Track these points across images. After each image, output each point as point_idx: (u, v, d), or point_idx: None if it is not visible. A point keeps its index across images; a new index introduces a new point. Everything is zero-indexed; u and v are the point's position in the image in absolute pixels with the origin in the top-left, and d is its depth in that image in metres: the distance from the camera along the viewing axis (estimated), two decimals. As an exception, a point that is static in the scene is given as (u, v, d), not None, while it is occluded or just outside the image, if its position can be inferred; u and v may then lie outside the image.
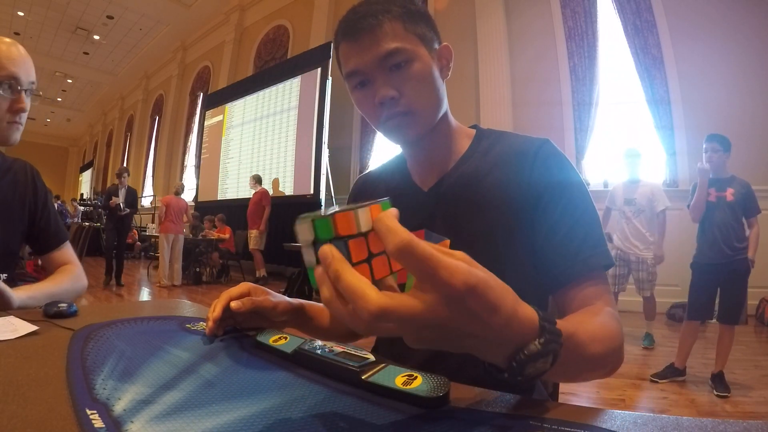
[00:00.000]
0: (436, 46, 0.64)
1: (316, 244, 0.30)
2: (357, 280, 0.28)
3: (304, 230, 0.31)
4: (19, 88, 0.88)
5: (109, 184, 13.54)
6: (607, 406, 1.84)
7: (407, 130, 0.62)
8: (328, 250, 0.29)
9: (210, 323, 0.59)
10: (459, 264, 0.28)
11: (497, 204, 0.61)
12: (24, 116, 0.92)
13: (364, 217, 0.31)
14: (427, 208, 0.66)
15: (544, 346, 0.33)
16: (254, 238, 5.73)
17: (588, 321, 0.49)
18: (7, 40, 0.90)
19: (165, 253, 5.36)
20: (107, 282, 5.50)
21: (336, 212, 0.30)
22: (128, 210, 5.56)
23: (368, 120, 0.64)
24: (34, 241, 1.07)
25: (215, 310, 0.59)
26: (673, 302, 3.77)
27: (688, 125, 4.02)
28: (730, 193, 2.37)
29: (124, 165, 6.39)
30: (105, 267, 5.66)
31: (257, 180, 5.94)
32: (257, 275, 5.82)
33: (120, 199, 5.49)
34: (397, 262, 0.28)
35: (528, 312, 0.33)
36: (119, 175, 5.67)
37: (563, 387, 1.84)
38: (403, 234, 0.27)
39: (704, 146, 2.45)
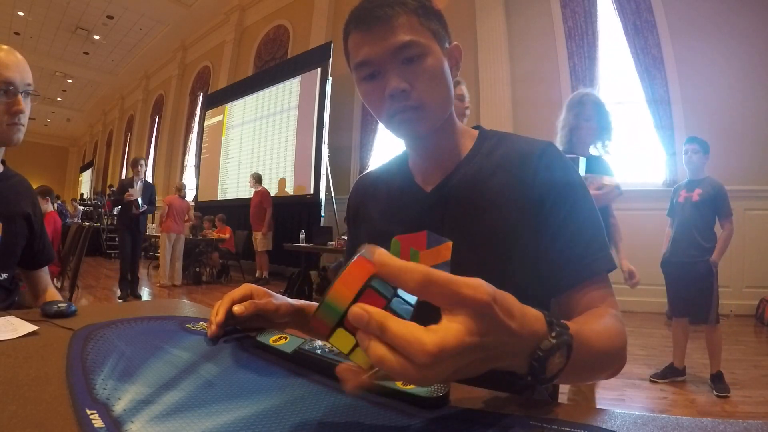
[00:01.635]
0: (447, 45, 0.63)
1: (339, 324, 0.31)
2: (405, 326, 0.27)
3: (336, 338, 0.31)
4: (14, 91, 0.91)
5: (109, 183, 13.48)
6: (608, 406, 1.84)
7: (416, 125, 0.60)
8: (359, 309, 0.28)
9: (213, 327, 0.58)
10: (475, 279, 0.29)
11: (500, 206, 0.60)
12: (24, 117, 0.95)
13: (352, 277, 0.31)
14: (429, 209, 0.65)
15: (557, 339, 0.34)
16: (259, 240, 5.68)
17: (592, 321, 0.50)
18: (5, 47, 0.93)
19: (166, 253, 5.35)
20: (124, 297, 4.57)
21: (327, 293, 0.31)
22: (145, 207, 4.59)
23: (374, 113, 0.63)
24: (31, 257, 1.12)
25: (218, 313, 0.59)
26: (673, 302, 3.77)
27: (688, 125, 4.02)
28: (697, 194, 2.40)
29: (139, 158, 5.12)
30: (119, 279, 4.66)
31: (257, 179, 5.87)
32: (257, 275, 5.80)
33: (138, 193, 4.51)
34: (420, 297, 0.29)
35: (534, 312, 0.34)
36: (135, 164, 4.73)
37: (563, 387, 1.84)
38: (416, 270, 0.28)
39: (684, 147, 2.51)
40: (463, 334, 0.28)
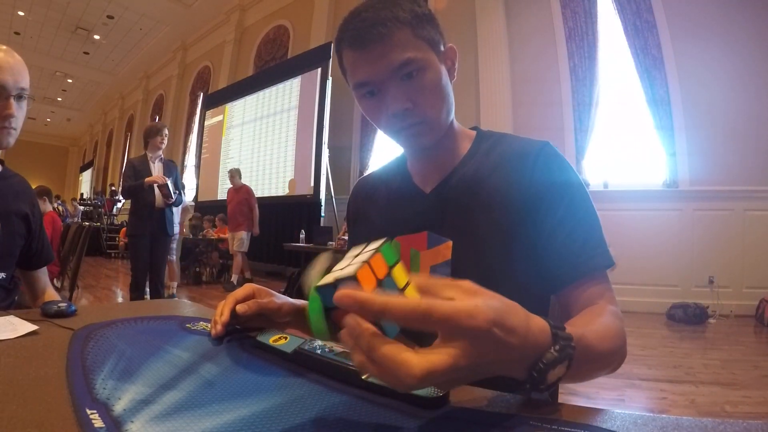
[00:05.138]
0: (443, 48, 0.63)
1: (328, 311, 0.33)
2: (393, 350, 0.28)
3: (315, 299, 0.34)
4: (5, 94, 0.89)
5: (110, 182, 13.33)
6: (607, 406, 1.83)
7: (422, 139, 0.61)
8: (353, 321, 0.29)
9: (219, 327, 0.58)
10: (475, 304, 0.29)
11: (499, 205, 0.61)
12: (14, 121, 0.92)
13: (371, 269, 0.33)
14: (429, 210, 0.66)
15: (560, 353, 0.35)
16: (239, 239, 5.21)
17: (594, 322, 0.50)
18: (3, 47, 0.91)
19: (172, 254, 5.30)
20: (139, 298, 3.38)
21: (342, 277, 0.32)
22: (177, 193, 3.14)
23: (378, 128, 0.64)
24: (29, 258, 1.11)
25: (223, 313, 0.59)
26: (673, 302, 3.77)
27: (688, 126, 4.02)
28: None
29: (161, 125, 3.26)
30: (130, 287, 3.24)
31: (238, 174, 5.46)
32: (240, 277, 5.36)
33: (167, 178, 3.04)
34: (419, 329, 0.29)
35: (540, 323, 0.35)
36: (156, 133, 3.13)
37: (563, 387, 1.84)
38: (413, 306, 0.28)
39: None
40: (456, 358, 0.29)
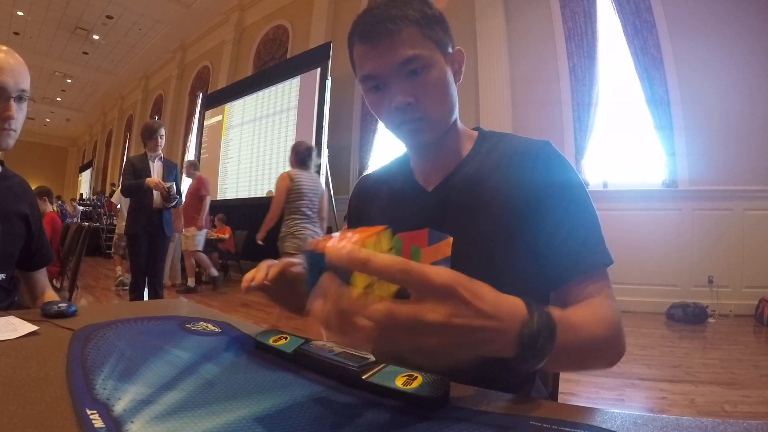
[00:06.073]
0: (450, 50, 0.64)
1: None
2: (359, 299, 0.32)
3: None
4: (5, 96, 0.89)
5: (110, 182, 13.28)
6: (607, 406, 1.84)
7: (422, 135, 0.62)
8: (326, 277, 0.33)
9: (256, 282, 0.61)
10: (442, 267, 0.32)
11: (499, 204, 0.62)
12: (14, 123, 0.92)
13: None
14: (430, 208, 0.67)
15: (540, 320, 0.37)
16: (190, 238, 4.76)
17: (580, 308, 0.52)
18: (4, 48, 0.91)
19: (173, 253, 5.30)
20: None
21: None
22: (177, 198, 3.14)
23: (382, 122, 0.65)
24: (28, 258, 1.11)
25: (260, 270, 0.63)
26: (672, 302, 3.78)
27: (688, 125, 4.02)
28: None
29: (157, 124, 3.23)
30: (130, 287, 3.17)
31: (194, 166, 5.12)
32: (187, 283, 5.09)
33: (166, 182, 3.03)
34: (399, 285, 0.32)
35: (512, 297, 0.37)
36: (152, 133, 3.09)
37: (563, 387, 1.83)
38: (395, 263, 0.31)
39: None
40: (419, 310, 0.31)
